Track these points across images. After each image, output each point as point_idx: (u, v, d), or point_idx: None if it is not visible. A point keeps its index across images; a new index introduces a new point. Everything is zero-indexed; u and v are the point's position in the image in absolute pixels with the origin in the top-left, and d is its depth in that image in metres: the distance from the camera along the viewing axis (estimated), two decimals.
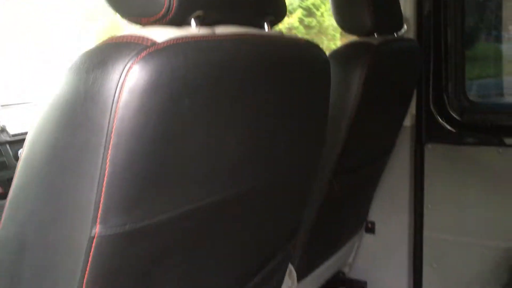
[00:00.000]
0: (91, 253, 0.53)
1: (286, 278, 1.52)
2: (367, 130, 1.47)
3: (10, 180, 1.38)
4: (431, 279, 2.06)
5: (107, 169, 0.51)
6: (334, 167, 1.40)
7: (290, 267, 1.50)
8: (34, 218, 0.57)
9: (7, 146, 1.44)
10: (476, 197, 1.95)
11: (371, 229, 2.07)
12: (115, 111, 0.50)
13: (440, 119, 1.99)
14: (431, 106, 1.98)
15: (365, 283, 2.00)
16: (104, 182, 0.51)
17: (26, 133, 1.44)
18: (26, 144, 0.60)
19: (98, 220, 0.52)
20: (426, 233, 2.06)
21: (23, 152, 0.60)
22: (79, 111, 0.51)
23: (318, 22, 6.62)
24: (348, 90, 1.30)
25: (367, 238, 2.08)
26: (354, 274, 2.07)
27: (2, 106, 1.54)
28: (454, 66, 1.97)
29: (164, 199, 0.56)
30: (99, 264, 0.54)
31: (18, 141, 1.45)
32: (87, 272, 0.54)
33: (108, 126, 0.51)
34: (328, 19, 6.37)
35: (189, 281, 0.70)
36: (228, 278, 0.78)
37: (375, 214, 2.06)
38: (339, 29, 1.47)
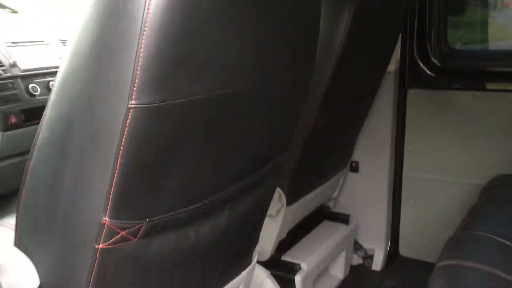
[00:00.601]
0: (127, 123, 0.67)
1: (276, 201, 1.69)
2: (353, 66, 1.60)
3: (22, 111, 1.49)
4: (408, 213, 2.24)
5: (141, 54, 0.64)
6: (321, 100, 1.54)
7: (280, 191, 1.66)
8: (83, 96, 0.70)
9: (19, 80, 1.54)
10: (452, 139, 2.11)
11: (355, 168, 2.24)
12: (148, 7, 0.63)
13: (422, 65, 2.12)
14: (415, 53, 2.12)
15: (348, 216, 2.18)
16: (139, 64, 0.64)
17: (37, 69, 1.54)
18: (70, 39, 0.72)
19: (134, 96, 0.66)
20: (405, 172, 2.23)
21: (67, 47, 0.73)
22: (119, 6, 0.64)
23: None
24: (337, 27, 1.43)
25: (351, 176, 2.24)
26: (338, 208, 2.25)
27: (13, 43, 1.62)
28: (437, 14, 2.09)
29: (182, 85, 0.70)
30: (133, 134, 0.68)
31: (29, 76, 1.54)
32: (123, 139, 0.68)
33: (142, 19, 0.63)
34: None
35: (197, 169, 0.84)
36: (230, 171, 0.93)
37: (359, 154, 2.22)
38: None
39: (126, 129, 0.67)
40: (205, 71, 0.72)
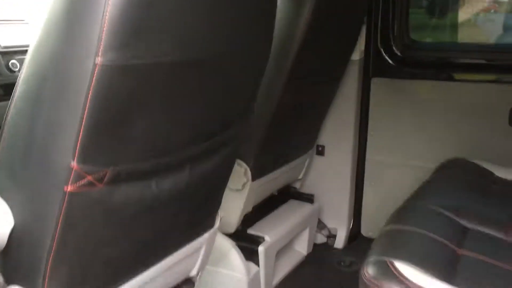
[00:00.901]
0: (94, 79, 0.77)
1: (242, 175, 1.80)
2: (316, 51, 1.72)
3: (2, 86, 1.57)
4: (370, 195, 2.38)
5: (106, 18, 0.75)
6: (284, 81, 1.66)
7: (245, 166, 1.78)
8: (55, 54, 0.80)
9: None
10: (412, 125, 2.25)
11: (321, 152, 2.37)
12: None
13: (385, 56, 2.26)
14: (378, 44, 2.25)
15: (312, 196, 2.31)
16: (105, 27, 0.75)
17: (17, 46, 1.62)
18: (45, 8, 0.82)
19: (100, 54, 0.76)
20: (368, 156, 2.36)
21: (42, 14, 0.83)
22: None
23: None
24: (299, 12, 1.55)
25: (317, 159, 2.37)
26: (304, 189, 2.37)
27: None
28: (400, 7, 2.23)
29: (147, 45, 0.80)
30: (99, 89, 0.78)
31: (9, 53, 1.63)
32: (90, 93, 0.78)
33: None
34: None
35: (158, 126, 0.95)
36: (191, 131, 1.04)
37: (325, 139, 2.35)
38: None
39: (92, 84, 0.78)
40: (165, 37, 0.83)
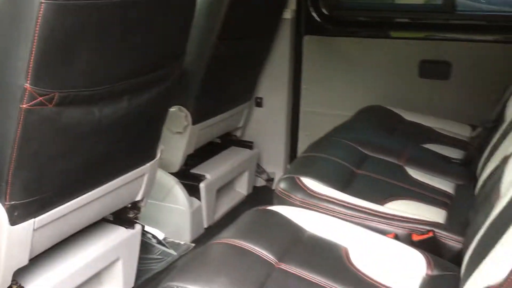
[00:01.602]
0: (40, 14, 0.98)
1: (183, 119, 2.04)
2: (246, 6, 1.95)
3: None
4: (303, 141, 2.66)
5: None
6: (218, 32, 1.90)
7: (185, 110, 2.02)
8: None
9: None
10: (340, 79, 2.53)
11: (259, 104, 2.62)
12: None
13: (314, 15, 2.51)
14: (308, 3, 2.49)
15: (252, 142, 2.57)
16: None
17: None
18: None
19: None
20: (302, 107, 2.64)
21: None
22: None
23: None
24: None
25: (256, 110, 2.63)
26: (244, 137, 2.63)
27: None
28: None
29: None
30: (44, 23, 0.98)
31: None
32: (37, 26, 0.99)
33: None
34: None
35: (97, 59, 1.16)
36: (126, 67, 1.25)
37: (263, 91, 2.60)
38: None
39: (39, 19, 0.99)
40: None
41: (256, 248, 1.09)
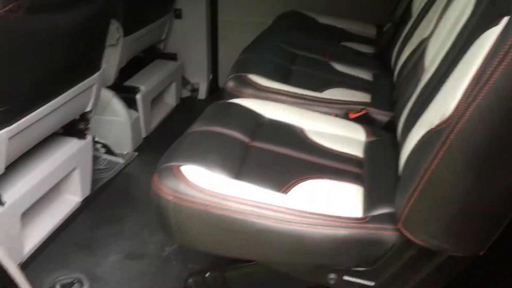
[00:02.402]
0: None
1: (115, 31, 2.05)
2: None
3: None
4: (224, 51, 2.80)
5: None
6: None
7: (117, 24, 2.03)
8: None
9: None
10: None
11: (179, 15, 2.66)
12: None
13: None
14: None
15: (175, 54, 2.64)
16: None
17: None
18: None
19: None
20: (220, 17, 2.73)
21: None
22: None
23: None
24: None
25: (176, 22, 2.67)
26: (167, 49, 2.69)
27: None
28: None
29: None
30: None
31: None
32: None
33: None
34: None
35: None
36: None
37: (182, 2, 2.63)
38: None
39: None
40: None
41: (231, 132, 1.25)
